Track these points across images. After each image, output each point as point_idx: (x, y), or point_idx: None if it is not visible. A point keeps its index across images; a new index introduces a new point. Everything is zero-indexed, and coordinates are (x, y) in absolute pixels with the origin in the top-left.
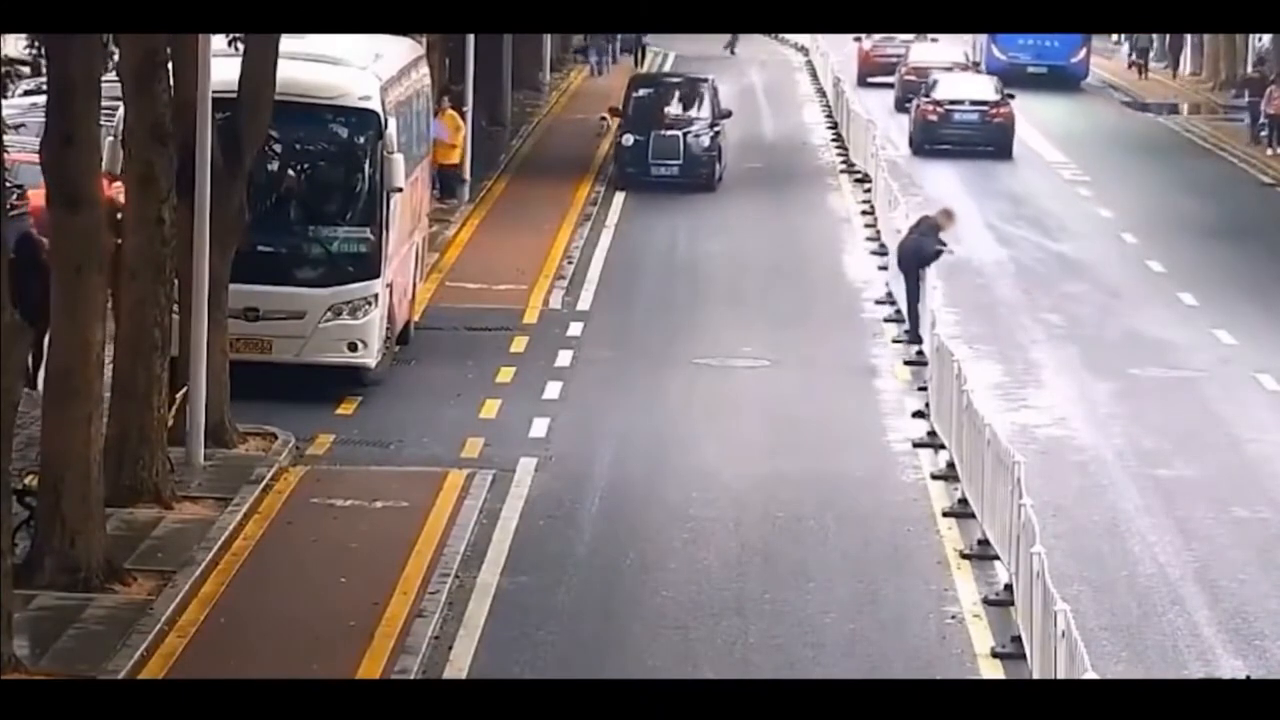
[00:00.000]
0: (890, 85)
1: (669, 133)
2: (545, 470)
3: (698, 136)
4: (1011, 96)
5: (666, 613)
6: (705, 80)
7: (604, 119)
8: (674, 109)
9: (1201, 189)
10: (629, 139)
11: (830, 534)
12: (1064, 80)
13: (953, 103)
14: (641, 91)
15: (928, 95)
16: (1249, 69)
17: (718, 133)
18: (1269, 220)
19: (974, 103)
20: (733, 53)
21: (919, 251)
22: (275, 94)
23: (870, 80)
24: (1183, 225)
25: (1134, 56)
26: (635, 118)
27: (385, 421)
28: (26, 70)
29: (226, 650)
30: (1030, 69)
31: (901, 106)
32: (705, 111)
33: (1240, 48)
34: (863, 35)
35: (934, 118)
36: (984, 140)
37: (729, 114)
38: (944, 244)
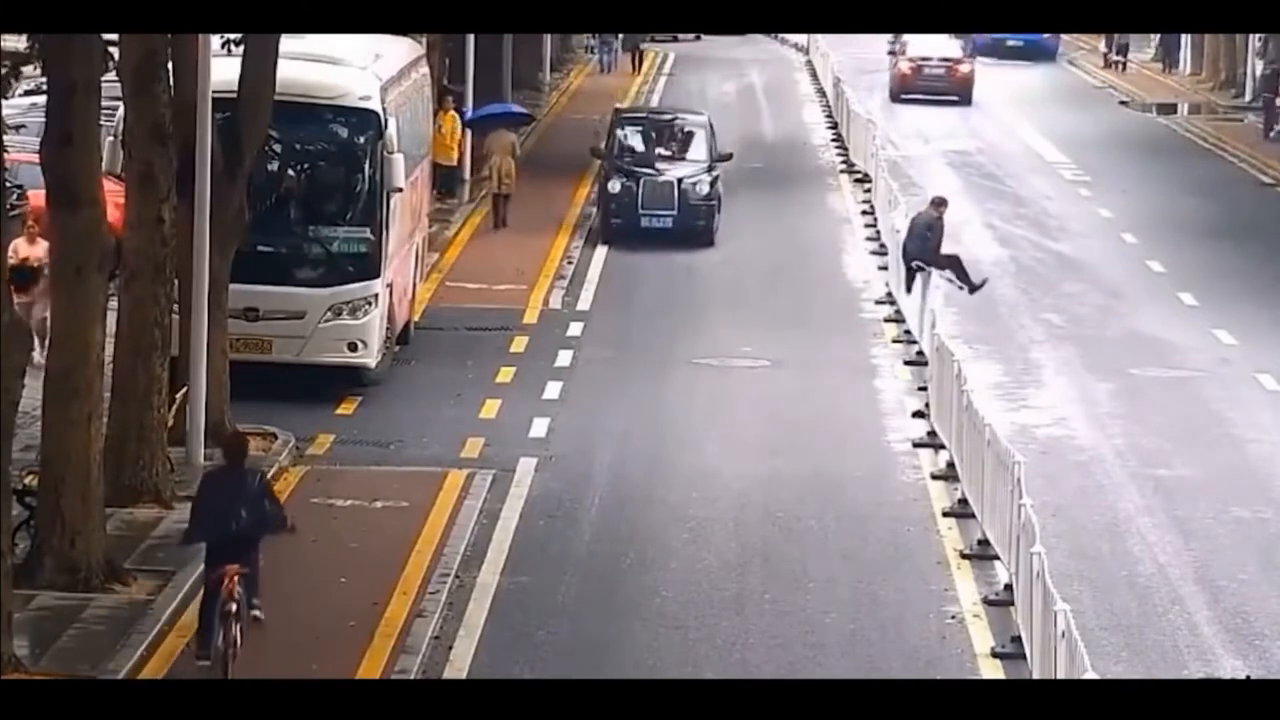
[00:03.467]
0: None
1: (662, 178)
2: (545, 470)
3: (695, 183)
4: (973, 58)
5: (666, 613)
6: (701, 116)
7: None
8: (666, 150)
9: (1201, 189)
10: (615, 184)
11: (830, 534)
12: (1039, 53)
13: (923, 59)
14: (628, 129)
15: (903, 53)
16: (1262, 66)
17: (716, 178)
18: (1269, 220)
19: (941, 59)
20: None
21: (923, 250)
22: (275, 94)
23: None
24: (1183, 225)
25: (1113, 53)
26: (621, 159)
27: (385, 421)
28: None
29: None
30: (1009, 42)
31: None
32: (702, 153)
33: (1240, 47)
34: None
35: (908, 72)
36: (948, 90)
37: (729, 156)
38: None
